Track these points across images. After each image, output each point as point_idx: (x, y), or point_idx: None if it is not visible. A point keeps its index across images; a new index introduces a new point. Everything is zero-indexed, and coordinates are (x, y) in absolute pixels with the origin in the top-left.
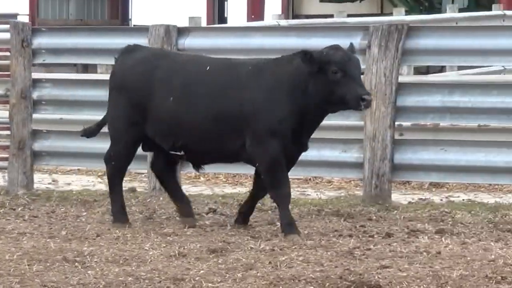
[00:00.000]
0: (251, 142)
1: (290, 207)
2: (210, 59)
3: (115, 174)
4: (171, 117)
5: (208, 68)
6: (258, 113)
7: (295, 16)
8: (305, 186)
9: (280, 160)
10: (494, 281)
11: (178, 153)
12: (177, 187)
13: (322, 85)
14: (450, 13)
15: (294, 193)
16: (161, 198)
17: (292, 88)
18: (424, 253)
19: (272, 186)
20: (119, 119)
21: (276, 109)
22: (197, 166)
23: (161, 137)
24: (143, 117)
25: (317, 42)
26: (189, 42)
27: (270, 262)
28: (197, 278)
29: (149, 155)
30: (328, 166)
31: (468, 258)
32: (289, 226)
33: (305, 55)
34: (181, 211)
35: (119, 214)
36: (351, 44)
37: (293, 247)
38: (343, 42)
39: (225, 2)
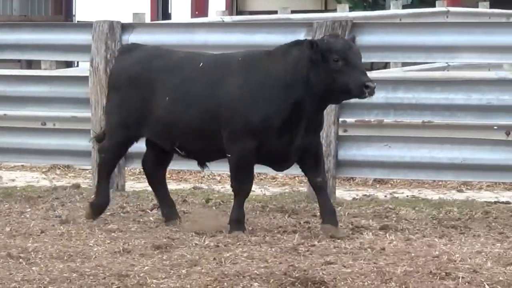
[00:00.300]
0: (228, 136)
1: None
2: (206, 55)
3: (103, 167)
4: (166, 117)
5: (201, 65)
6: (240, 109)
7: (239, 13)
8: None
9: (250, 159)
10: (438, 277)
11: (180, 153)
12: (164, 189)
13: (324, 75)
14: (394, 10)
15: None
16: None
17: (286, 82)
18: (369, 249)
19: (235, 179)
20: (114, 117)
21: (261, 106)
22: (201, 164)
23: (159, 138)
24: (139, 118)
25: (262, 39)
26: (133, 38)
27: (214, 258)
28: (141, 274)
29: (93, 151)
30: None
31: (412, 254)
32: (236, 223)
33: (311, 44)
34: (164, 213)
35: (98, 207)
36: (353, 35)
37: (238, 243)
38: (288, 38)
39: None
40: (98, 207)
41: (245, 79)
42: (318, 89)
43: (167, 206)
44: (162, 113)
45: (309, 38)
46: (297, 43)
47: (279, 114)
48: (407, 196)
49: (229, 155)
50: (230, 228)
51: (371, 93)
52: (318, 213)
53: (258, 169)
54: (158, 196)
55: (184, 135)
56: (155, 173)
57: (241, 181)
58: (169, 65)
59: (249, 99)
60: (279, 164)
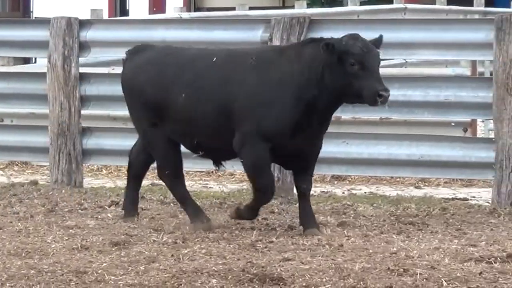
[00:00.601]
0: (238, 138)
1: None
2: (218, 51)
3: (171, 178)
4: (182, 115)
5: (213, 61)
6: (253, 110)
7: (197, 9)
8: (207, 179)
9: (265, 162)
10: (396, 274)
11: (199, 153)
12: (138, 184)
13: (339, 77)
14: (351, 6)
15: (197, 186)
16: (63, 191)
17: (300, 82)
18: (327, 246)
19: (254, 185)
20: (141, 120)
21: (275, 107)
22: (216, 163)
23: (179, 137)
24: (160, 117)
25: (220, 35)
26: (91, 34)
27: (172, 255)
28: (99, 271)
29: (51, 147)
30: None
31: (370, 251)
32: (245, 215)
33: (327, 45)
34: (125, 207)
35: (198, 216)
36: (380, 36)
37: (196, 239)
38: (246, 35)
39: None
40: (198, 214)
41: (258, 79)
42: (332, 89)
43: (131, 201)
44: (178, 113)
45: (267, 34)
46: (312, 40)
47: (293, 114)
48: (365, 192)
49: (242, 160)
50: (234, 214)
51: (384, 102)
52: (276, 210)
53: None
54: (128, 189)
55: (200, 134)
56: (137, 165)
57: (260, 189)
58: (183, 63)
59: (263, 99)
60: (291, 164)
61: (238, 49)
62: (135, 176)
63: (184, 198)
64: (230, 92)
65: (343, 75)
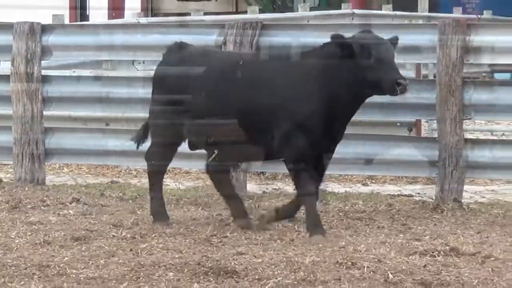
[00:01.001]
0: (278, 137)
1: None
2: (245, 55)
3: (155, 173)
4: (203, 114)
5: (240, 63)
6: (286, 109)
7: (154, 15)
8: (164, 177)
9: (306, 157)
10: (344, 267)
11: (214, 152)
12: (231, 188)
13: (355, 72)
14: (302, 12)
15: None
16: (26, 189)
17: (323, 80)
18: (278, 240)
19: (298, 184)
20: (160, 113)
21: (305, 104)
22: (232, 165)
23: (195, 135)
24: (180, 116)
25: (177, 39)
26: (53, 39)
27: (131, 249)
28: (61, 265)
29: (15, 147)
30: (186, 158)
31: (320, 245)
32: (314, 227)
33: (337, 39)
34: (233, 213)
35: (159, 213)
36: (396, 36)
37: (153, 235)
38: (202, 38)
39: (87, 0)
40: (160, 213)
41: (290, 80)
42: (350, 86)
43: (236, 206)
44: (201, 111)
45: (221, 38)
46: (331, 42)
47: (324, 110)
48: None
49: (285, 161)
50: (310, 234)
51: (403, 91)
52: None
53: (172, 163)
54: (224, 197)
55: (222, 133)
56: (219, 175)
57: (304, 185)
58: (214, 64)
59: (294, 97)
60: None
61: (262, 53)
62: (224, 183)
63: (154, 190)
64: (263, 93)
65: (361, 69)
